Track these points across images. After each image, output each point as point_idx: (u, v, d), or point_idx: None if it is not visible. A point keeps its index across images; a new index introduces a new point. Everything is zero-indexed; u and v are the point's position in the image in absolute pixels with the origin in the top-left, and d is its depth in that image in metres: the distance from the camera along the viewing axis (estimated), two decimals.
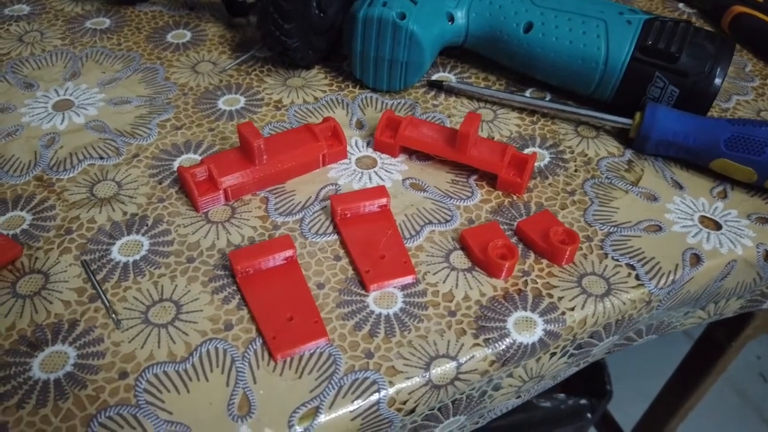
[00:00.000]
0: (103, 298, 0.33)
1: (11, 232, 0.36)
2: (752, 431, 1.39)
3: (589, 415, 1.06)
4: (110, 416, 0.28)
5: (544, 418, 1.03)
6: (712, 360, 0.95)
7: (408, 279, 0.35)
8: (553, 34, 0.45)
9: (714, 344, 0.93)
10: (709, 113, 0.48)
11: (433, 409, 0.33)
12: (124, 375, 0.30)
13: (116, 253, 0.35)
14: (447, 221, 0.39)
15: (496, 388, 0.35)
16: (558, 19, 0.45)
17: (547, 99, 0.48)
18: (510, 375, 0.35)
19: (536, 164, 0.43)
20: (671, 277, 0.36)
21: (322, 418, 0.29)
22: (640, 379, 1.18)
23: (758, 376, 1.51)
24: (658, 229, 0.39)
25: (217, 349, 0.31)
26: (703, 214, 0.40)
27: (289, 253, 0.34)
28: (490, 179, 0.41)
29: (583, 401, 1.04)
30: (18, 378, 0.30)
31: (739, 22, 0.56)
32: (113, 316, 0.32)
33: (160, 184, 0.40)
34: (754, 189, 0.43)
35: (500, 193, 0.41)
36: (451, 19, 0.46)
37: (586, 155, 0.44)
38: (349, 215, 0.38)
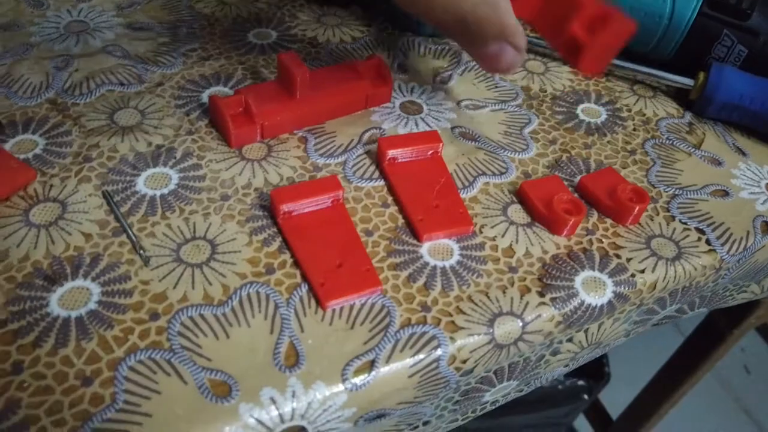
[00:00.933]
0: (129, 232, 0.29)
1: (22, 156, 0.32)
2: (733, 422, 1.40)
3: (585, 396, 1.05)
4: (141, 360, 0.25)
5: (540, 396, 1.02)
6: (711, 347, 0.94)
7: (465, 230, 0.32)
8: None
9: (714, 332, 0.92)
10: None
11: (489, 372, 0.30)
12: (155, 316, 0.27)
13: (141, 186, 0.32)
14: (502, 173, 0.35)
15: (555, 353, 0.32)
16: None
17: None
18: (570, 340, 0.32)
19: (593, 120, 0.40)
20: (743, 244, 0.34)
21: (379, 372, 0.26)
22: (628, 368, 1.18)
23: (742, 368, 1.52)
24: (725, 194, 0.36)
25: (258, 293, 0.28)
26: None
27: (336, 194, 0.31)
28: (542, 125, 0.38)
29: (581, 382, 1.03)
30: (34, 314, 0.26)
31: None
32: (141, 252, 0.29)
33: (188, 115, 0.36)
34: None
35: (557, 147, 0.38)
36: None
37: (644, 114, 0.41)
38: (398, 160, 0.34)
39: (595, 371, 1.03)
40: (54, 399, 0.24)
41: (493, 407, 0.35)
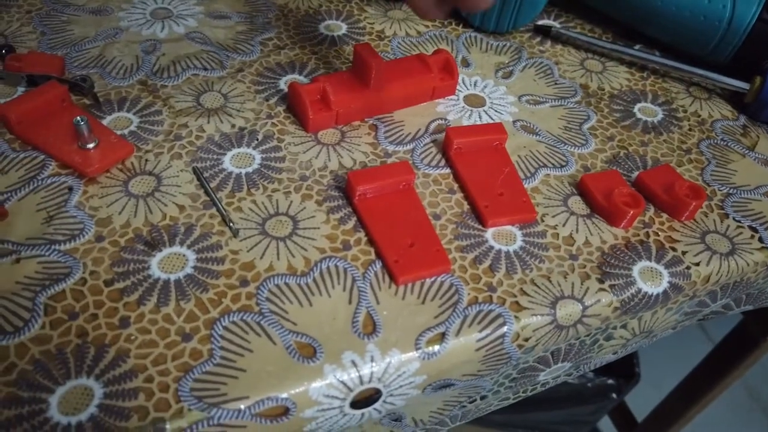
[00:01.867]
0: (219, 206, 0.32)
1: (119, 132, 0.35)
2: (759, 430, 1.39)
3: (614, 395, 1.05)
4: (234, 321, 0.28)
5: (569, 393, 1.03)
6: (743, 352, 0.94)
7: (529, 218, 0.34)
8: None
9: (747, 338, 0.92)
10: None
11: (546, 352, 0.32)
12: (245, 283, 0.29)
13: (228, 164, 0.34)
14: (562, 166, 0.37)
15: (608, 338, 0.34)
16: None
17: (657, 55, 0.46)
18: (624, 326, 0.34)
19: (649, 119, 0.41)
20: None
21: (449, 344, 0.28)
22: (657, 371, 1.18)
23: None
24: None
25: (337, 267, 0.30)
26: None
27: (408, 179, 0.33)
28: (600, 121, 0.40)
29: (610, 381, 1.03)
30: (137, 275, 0.29)
31: None
32: (230, 224, 0.31)
33: (267, 101, 0.38)
34: None
35: (615, 143, 0.39)
36: None
37: (700, 116, 0.42)
38: (464, 149, 0.36)
39: (625, 371, 1.03)
40: (158, 352, 0.26)
41: (544, 389, 0.37)
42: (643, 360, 1.22)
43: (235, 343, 0.27)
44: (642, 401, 1.15)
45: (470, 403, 0.34)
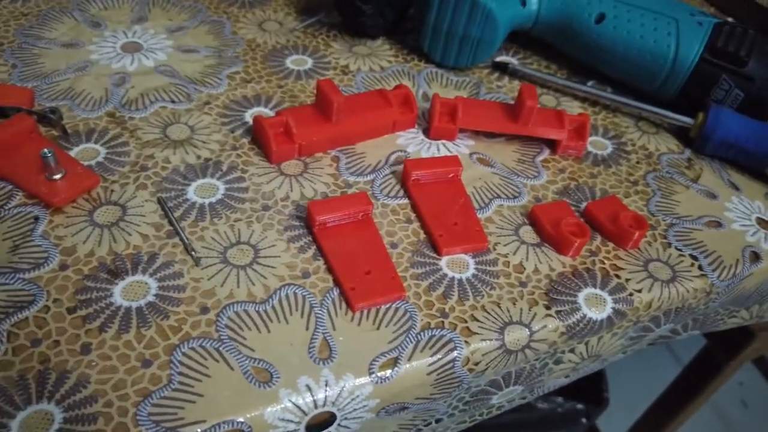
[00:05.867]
0: (182, 235, 0.33)
1: (86, 163, 0.36)
2: None
3: (584, 420, 1.07)
4: (193, 347, 0.29)
5: (539, 419, 1.04)
6: (707, 378, 0.96)
7: (481, 246, 0.35)
8: (625, 27, 0.46)
9: (711, 363, 0.95)
10: None
11: (497, 375, 0.33)
12: (205, 310, 0.30)
13: (192, 194, 0.35)
14: (515, 197, 0.39)
15: (558, 362, 0.35)
16: (631, 13, 0.46)
17: (609, 91, 0.49)
18: (572, 351, 0.35)
19: (599, 153, 0.44)
20: (732, 271, 0.37)
21: (402, 369, 0.29)
22: (626, 395, 1.20)
23: (740, 403, 1.53)
24: (718, 225, 0.40)
25: (296, 294, 0.31)
26: (760, 215, 0.41)
27: (366, 209, 0.35)
28: (554, 155, 0.42)
29: (579, 406, 1.05)
30: (100, 303, 0.30)
31: None
32: (192, 252, 0.32)
33: (233, 132, 0.40)
34: None
35: (566, 176, 0.41)
36: (524, 2, 0.47)
37: (647, 149, 0.45)
38: (421, 181, 0.38)
39: (594, 396, 1.05)
40: (118, 377, 0.27)
41: (499, 411, 0.38)
42: (614, 384, 1.24)
43: (193, 368, 0.28)
44: (614, 425, 1.16)
45: (425, 426, 0.35)
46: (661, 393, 1.04)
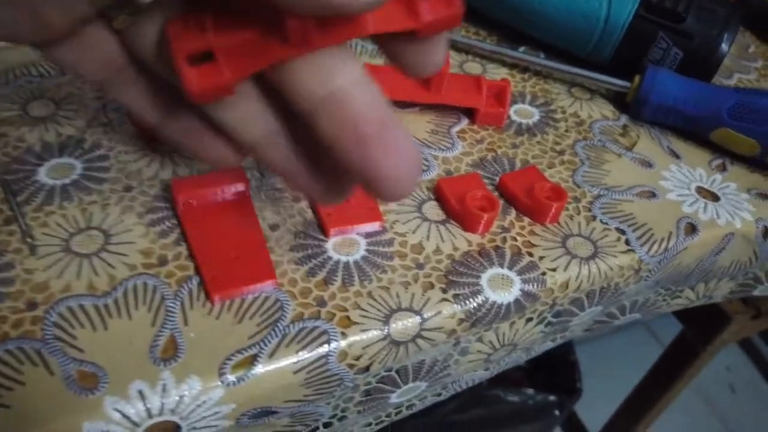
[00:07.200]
0: (20, 220, 0.28)
1: None
2: None
3: (557, 412, 1.03)
4: (9, 350, 0.24)
5: (510, 412, 1.00)
6: (685, 363, 0.93)
7: (374, 226, 0.31)
8: None
9: (688, 348, 0.91)
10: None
11: (390, 371, 0.29)
12: (32, 306, 0.26)
13: (43, 175, 0.31)
14: (423, 171, 0.35)
15: (463, 352, 0.31)
16: None
17: (541, 57, 0.45)
18: (480, 339, 0.31)
19: (524, 121, 0.39)
20: (664, 245, 0.33)
21: (260, 368, 0.25)
22: (607, 380, 1.16)
23: (727, 387, 1.50)
24: (652, 195, 0.36)
25: (146, 285, 0.27)
26: (700, 184, 0.37)
27: (240, 187, 0.30)
28: (472, 125, 0.38)
29: (552, 397, 1.01)
30: None
31: (746, 3, 0.53)
32: (28, 240, 0.28)
33: (104, 108, 0.35)
34: (754, 164, 0.39)
35: (484, 147, 0.37)
36: None
37: (579, 116, 0.41)
38: None
39: (567, 386, 1.01)
40: None
41: (410, 411, 0.34)
42: (594, 369, 1.20)
43: (5, 375, 0.23)
44: (596, 413, 1.13)
45: (312, 431, 0.30)
46: (640, 381, 1.00)
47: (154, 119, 0.22)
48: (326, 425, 0.30)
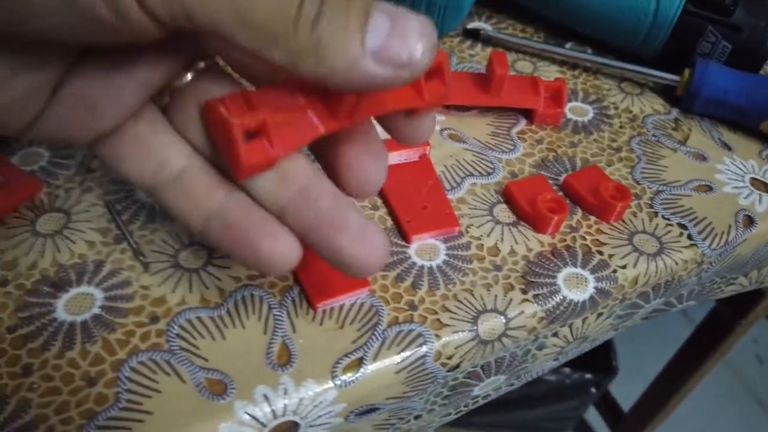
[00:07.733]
0: (130, 240, 0.31)
1: (29, 168, 0.34)
2: (746, 412, 1.40)
3: (593, 389, 1.05)
4: (142, 361, 0.27)
5: (548, 390, 1.03)
6: (719, 339, 0.94)
7: (452, 231, 0.33)
8: None
9: (722, 323, 0.92)
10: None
11: (476, 367, 0.31)
12: (155, 319, 0.28)
13: (142, 194, 0.33)
14: (489, 174, 0.37)
15: (540, 347, 0.33)
16: None
17: (589, 53, 0.46)
18: (555, 335, 0.33)
19: (580, 119, 0.41)
20: (724, 238, 0.35)
21: (367, 369, 0.27)
22: (639, 360, 1.18)
23: (754, 358, 1.51)
24: (709, 189, 0.37)
25: (252, 296, 0.29)
26: (754, 176, 0.39)
27: None
28: (530, 126, 0.39)
29: (588, 375, 1.03)
30: (42, 319, 0.28)
31: None
32: (141, 258, 0.30)
33: None
34: None
35: (544, 147, 0.39)
36: None
37: (631, 112, 0.42)
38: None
39: (603, 364, 1.03)
40: (61, 399, 0.25)
41: (486, 401, 0.37)
42: (627, 348, 1.22)
43: (142, 384, 0.26)
44: (627, 391, 1.15)
45: (404, 424, 0.33)
46: (672, 357, 1.02)
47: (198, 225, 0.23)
48: (416, 417, 0.33)
